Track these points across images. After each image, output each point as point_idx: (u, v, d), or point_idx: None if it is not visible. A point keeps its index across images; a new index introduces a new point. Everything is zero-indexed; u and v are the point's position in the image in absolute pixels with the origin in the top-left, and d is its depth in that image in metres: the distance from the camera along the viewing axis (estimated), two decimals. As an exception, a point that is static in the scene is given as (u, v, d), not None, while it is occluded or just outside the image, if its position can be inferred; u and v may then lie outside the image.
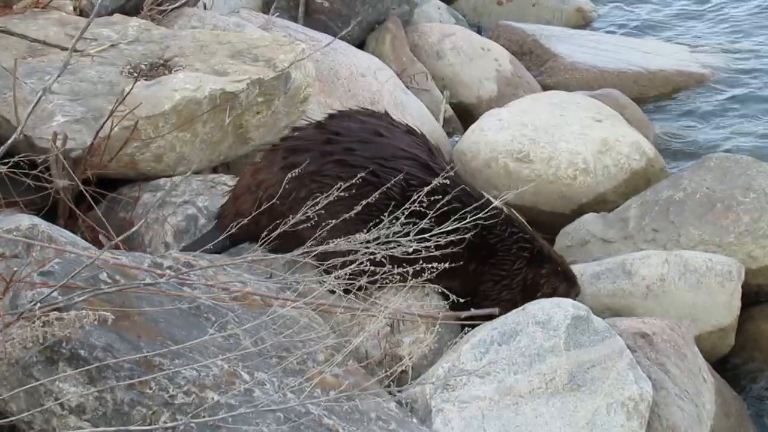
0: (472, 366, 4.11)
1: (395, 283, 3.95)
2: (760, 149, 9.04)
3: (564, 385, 4.15)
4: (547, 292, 4.97)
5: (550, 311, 4.33)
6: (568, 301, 4.41)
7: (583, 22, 12.31)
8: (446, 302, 4.43)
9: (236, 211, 4.63)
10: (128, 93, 5.04)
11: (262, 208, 4.19)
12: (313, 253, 3.77)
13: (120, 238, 3.94)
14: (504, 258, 4.91)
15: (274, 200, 4.15)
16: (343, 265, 3.75)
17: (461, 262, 4.43)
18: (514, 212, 5.44)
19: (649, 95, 10.50)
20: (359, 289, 4.00)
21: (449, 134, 8.60)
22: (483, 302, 4.87)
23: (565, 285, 5.11)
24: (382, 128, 4.78)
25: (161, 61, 5.76)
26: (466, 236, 4.43)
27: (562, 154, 7.47)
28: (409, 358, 3.67)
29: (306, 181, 4.45)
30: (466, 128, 8.24)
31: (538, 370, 4.15)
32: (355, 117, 4.90)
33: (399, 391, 3.72)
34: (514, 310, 4.43)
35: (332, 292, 3.91)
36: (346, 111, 5.08)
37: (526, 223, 5.36)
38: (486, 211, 4.44)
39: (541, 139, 7.55)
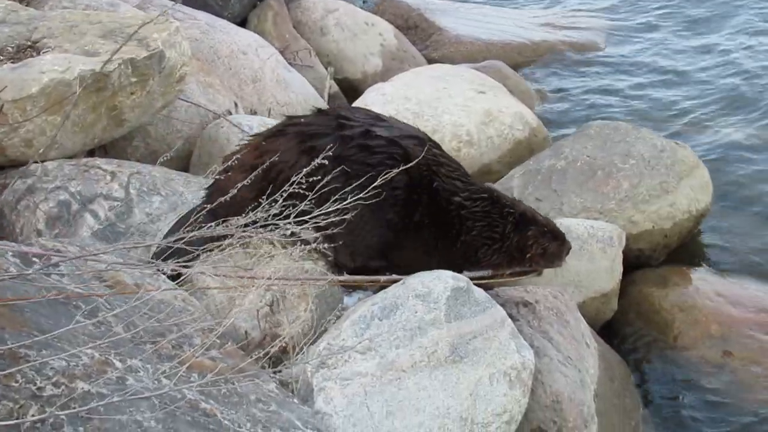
0: (353, 342, 4.07)
1: None
2: (639, 115, 9.23)
3: (446, 358, 4.15)
4: (537, 253, 5.07)
5: (429, 284, 4.31)
6: (448, 273, 4.39)
7: (467, -6, 12.38)
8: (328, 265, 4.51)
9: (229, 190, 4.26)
10: (-7, 77, 4.86)
11: (282, 189, 3.98)
12: (185, 239, 3.68)
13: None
14: (496, 221, 4.97)
15: (293, 182, 4.00)
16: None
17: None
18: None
19: (533, 66, 10.61)
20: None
21: (334, 111, 8.52)
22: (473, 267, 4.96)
23: (555, 243, 5.15)
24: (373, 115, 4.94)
25: (29, 43, 5.55)
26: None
27: (446, 126, 7.49)
28: (282, 339, 3.60)
29: (328, 166, 4.33)
30: (351, 104, 8.20)
31: (419, 344, 4.13)
32: (346, 108, 4.93)
33: (276, 372, 3.66)
34: (394, 285, 4.41)
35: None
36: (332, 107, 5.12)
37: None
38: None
39: (424, 113, 7.56)
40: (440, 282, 4.32)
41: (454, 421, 4.01)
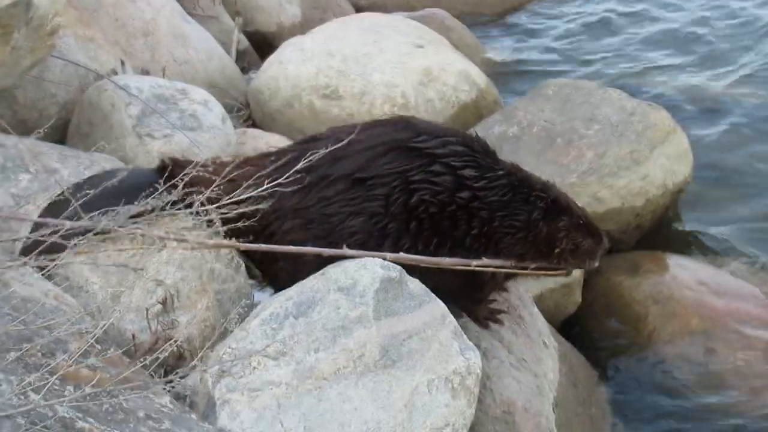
0: (263, 345, 4.02)
1: None
2: (603, 73, 9.29)
3: (376, 362, 4.11)
4: (568, 249, 4.94)
5: (354, 274, 4.27)
6: (376, 261, 4.35)
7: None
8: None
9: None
10: None
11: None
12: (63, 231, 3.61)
13: None
14: (519, 208, 4.86)
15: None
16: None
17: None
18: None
19: (481, 16, 10.62)
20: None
21: (244, 70, 8.49)
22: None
23: (590, 241, 5.01)
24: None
25: None
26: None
27: (377, 87, 7.47)
28: (175, 342, 3.55)
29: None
30: (264, 62, 8.14)
31: (343, 346, 4.09)
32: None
33: (169, 382, 3.61)
34: (312, 276, 4.37)
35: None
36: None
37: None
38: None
39: (351, 71, 7.53)
40: (367, 272, 4.28)
41: (387, 437, 3.99)
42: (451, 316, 4.43)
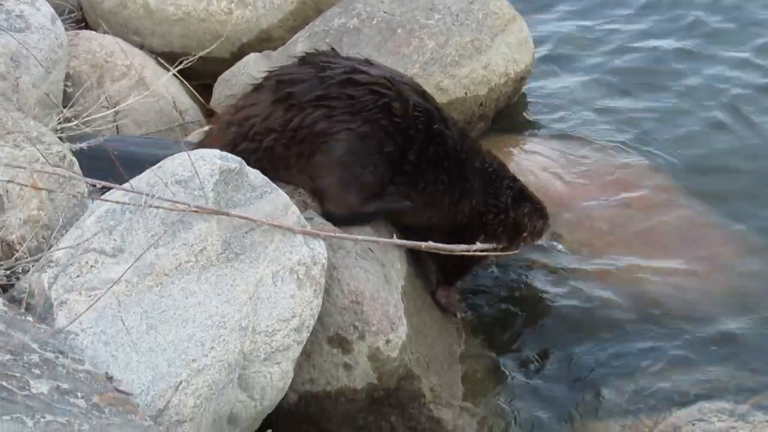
0: (100, 243, 3.90)
1: None
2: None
3: (218, 256, 4.03)
4: (530, 231, 5.63)
5: (192, 166, 4.15)
6: (214, 151, 4.24)
7: None
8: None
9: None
10: None
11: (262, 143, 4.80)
12: None
13: None
14: (500, 191, 5.44)
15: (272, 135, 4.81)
16: None
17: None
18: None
19: None
20: None
21: (74, -30, 8.16)
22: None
23: (542, 221, 5.69)
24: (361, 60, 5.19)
25: None
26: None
27: (213, -17, 7.29)
28: (4, 243, 3.41)
29: (308, 108, 4.80)
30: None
31: (184, 241, 3.99)
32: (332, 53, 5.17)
33: (2, 286, 3.47)
34: (149, 170, 4.23)
35: None
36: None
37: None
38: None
39: (176, -33, 7.32)
40: (206, 163, 4.15)
41: (232, 331, 3.91)
42: (294, 207, 4.36)
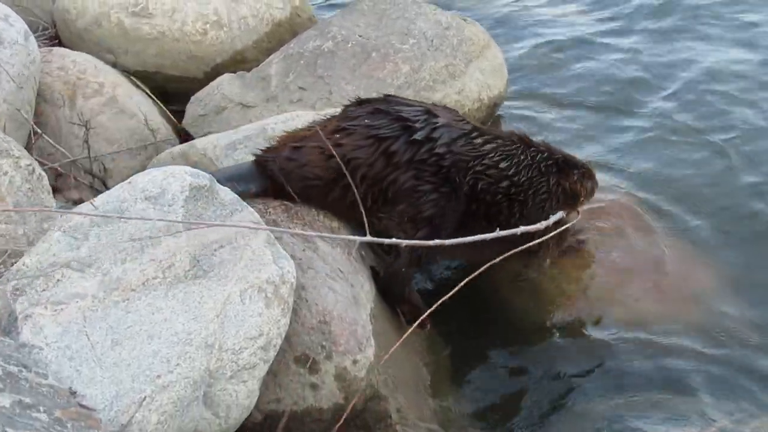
0: (67, 257, 3.89)
1: None
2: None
3: (186, 273, 4.02)
4: (586, 195, 5.91)
5: (162, 182, 4.14)
6: (185, 168, 4.24)
7: None
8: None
9: (294, 164, 5.18)
10: None
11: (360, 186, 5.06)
12: None
13: None
14: (540, 183, 5.63)
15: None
16: None
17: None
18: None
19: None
20: None
21: (48, -11, 8.15)
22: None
23: (591, 182, 5.93)
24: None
25: None
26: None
27: (188, 4, 7.30)
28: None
29: (402, 167, 5.17)
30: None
31: (152, 256, 3.98)
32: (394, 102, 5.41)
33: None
34: (119, 185, 4.22)
35: None
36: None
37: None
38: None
39: (148, -12, 7.32)
40: (176, 180, 4.16)
41: (198, 348, 3.89)
42: (264, 225, 4.36)
